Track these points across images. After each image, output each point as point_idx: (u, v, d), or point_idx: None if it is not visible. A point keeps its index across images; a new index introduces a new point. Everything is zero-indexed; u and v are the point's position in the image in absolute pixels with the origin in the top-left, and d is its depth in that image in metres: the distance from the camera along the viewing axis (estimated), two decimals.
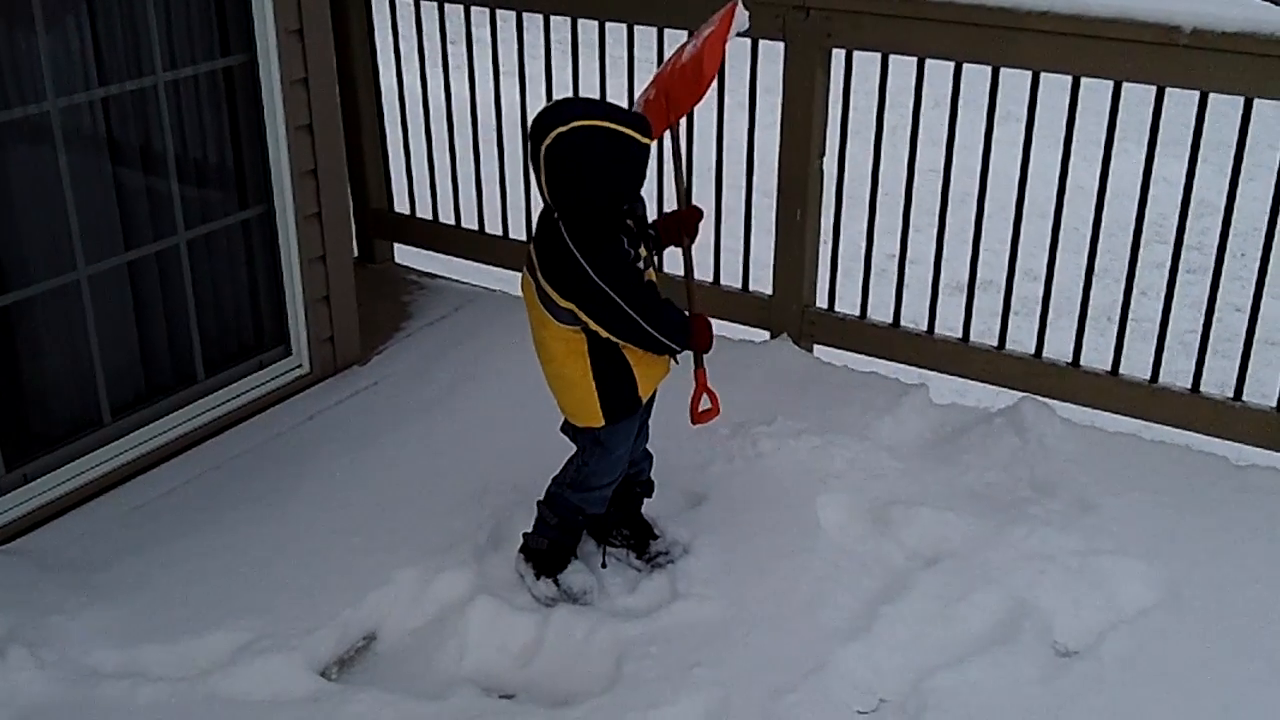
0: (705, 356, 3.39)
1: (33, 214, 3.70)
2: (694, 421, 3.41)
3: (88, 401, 3.94)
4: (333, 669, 3.34)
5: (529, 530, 3.56)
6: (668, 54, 4.52)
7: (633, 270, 3.16)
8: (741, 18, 3.31)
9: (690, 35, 3.41)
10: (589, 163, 3.01)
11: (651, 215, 3.36)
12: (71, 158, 3.73)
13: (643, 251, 3.22)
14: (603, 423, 3.30)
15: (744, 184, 4.66)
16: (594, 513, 3.51)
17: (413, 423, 4.30)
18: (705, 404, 3.40)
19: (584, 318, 3.15)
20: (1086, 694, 3.13)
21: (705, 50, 3.25)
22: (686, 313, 3.33)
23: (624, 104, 3.29)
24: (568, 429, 3.45)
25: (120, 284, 3.98)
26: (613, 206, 3.12)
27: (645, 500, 3.66)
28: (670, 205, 4.67)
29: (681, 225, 3.39)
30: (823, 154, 4.46)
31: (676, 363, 3.38)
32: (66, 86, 3.70)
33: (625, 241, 3.15)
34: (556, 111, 3.05)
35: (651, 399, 3.43)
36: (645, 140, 3.04)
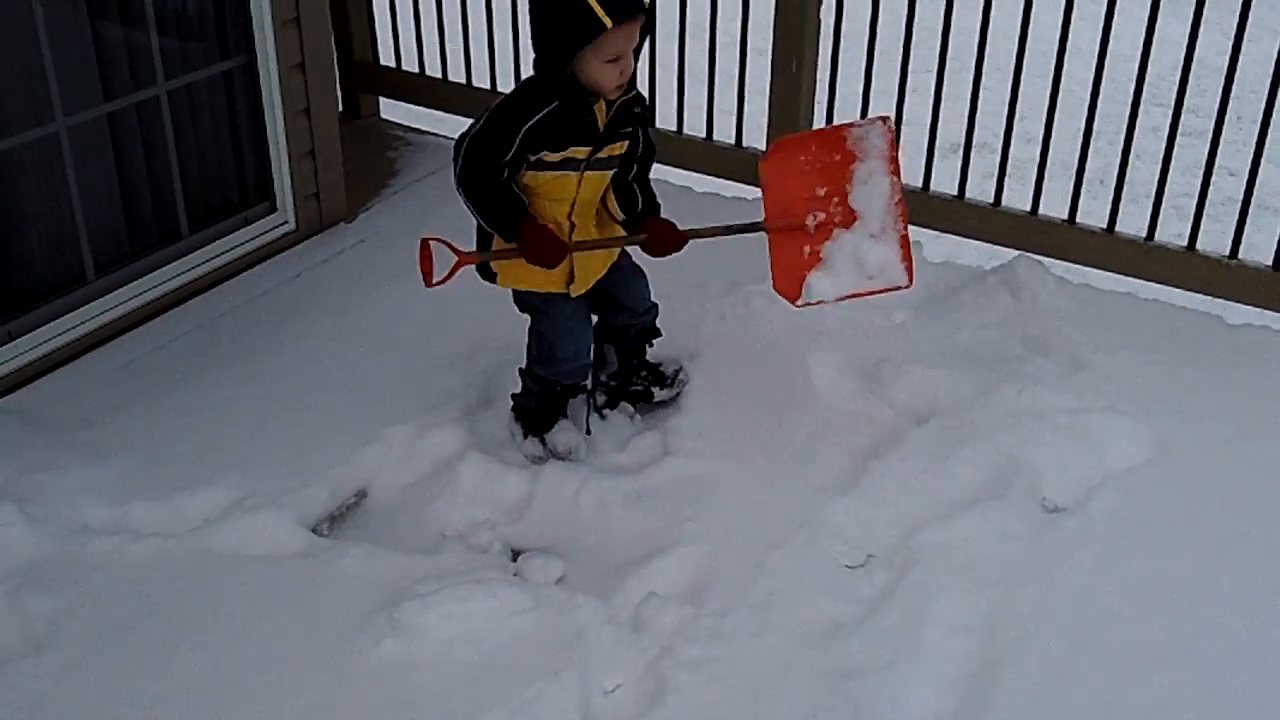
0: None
1: (9, 64, 3.60)
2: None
3: (71, 258, 3.88)
4: (324, 525, 3.35)
5: (518, 391, 3.55)
6: None
7: (489, 134, 3.06)
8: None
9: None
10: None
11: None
12: (48, 7, 3.61)
13: (576, 152, 3.10)
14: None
15: (738, 40, 4.54)
16: (571, 384, 3.48)
17: (401, 281, 4.22)
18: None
19: None
20: (1073, 549, 3.14)
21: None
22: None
23: None
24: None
25: (101, 137, 3.89)
26: (545, 65, 3.02)
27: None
28: None
29: (661, 241, 3.28)
30: (820, 2, 4.34)
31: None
32: None
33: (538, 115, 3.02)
34: None
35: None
36: (605, 19, 2.87)
